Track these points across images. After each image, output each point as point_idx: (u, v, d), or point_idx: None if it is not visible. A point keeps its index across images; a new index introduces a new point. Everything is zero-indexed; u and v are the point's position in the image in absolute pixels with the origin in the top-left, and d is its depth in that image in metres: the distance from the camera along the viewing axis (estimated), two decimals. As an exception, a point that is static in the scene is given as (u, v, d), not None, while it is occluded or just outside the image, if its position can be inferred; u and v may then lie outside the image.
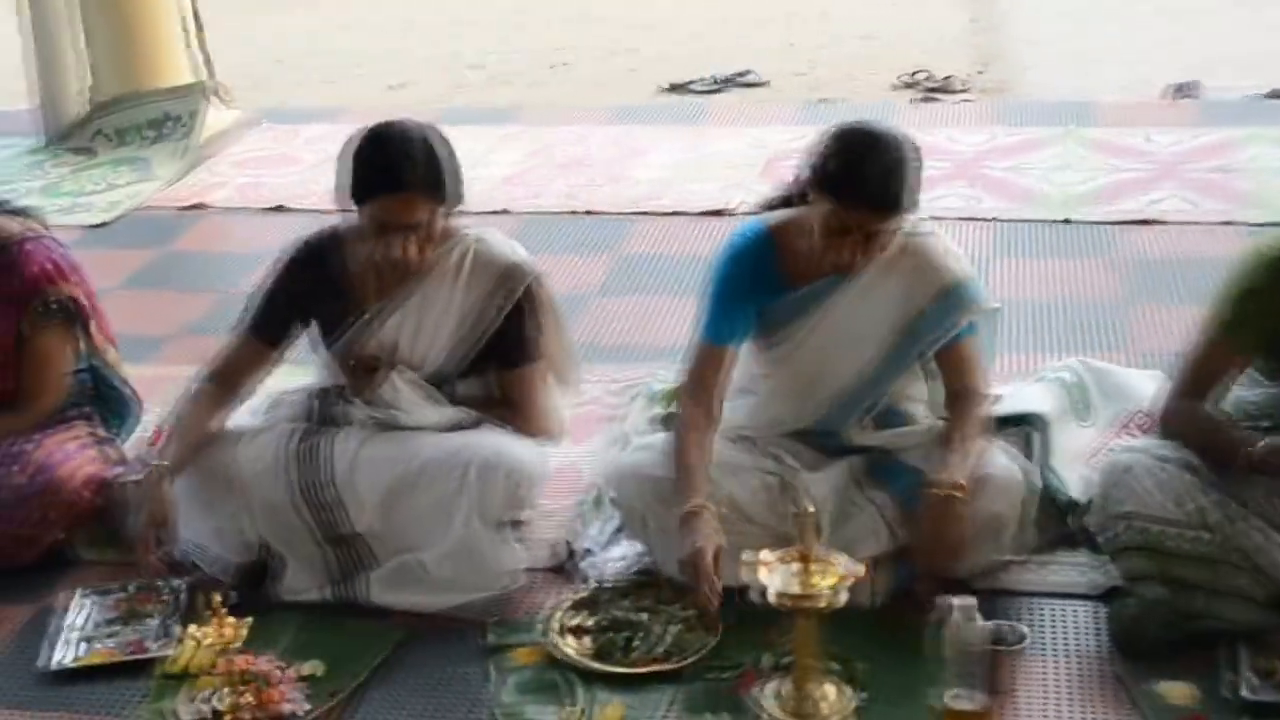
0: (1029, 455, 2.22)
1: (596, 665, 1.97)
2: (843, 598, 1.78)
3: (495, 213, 3.76)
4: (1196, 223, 3.56)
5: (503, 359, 2.28)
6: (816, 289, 2.17)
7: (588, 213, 3.88)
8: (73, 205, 4.20)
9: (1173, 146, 4.08)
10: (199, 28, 4.77)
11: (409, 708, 1.95)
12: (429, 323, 2.24)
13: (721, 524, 2.11)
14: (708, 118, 4.72)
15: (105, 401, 2.57)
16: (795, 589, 1.77)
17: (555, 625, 2.05)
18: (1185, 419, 2.05)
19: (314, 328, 2.32)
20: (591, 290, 3.38)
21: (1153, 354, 2.87)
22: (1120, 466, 2.03)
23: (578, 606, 2.10)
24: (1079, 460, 2.32)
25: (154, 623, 2.14)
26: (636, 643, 2.00)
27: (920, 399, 2.27)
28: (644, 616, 2.04)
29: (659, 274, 3.47)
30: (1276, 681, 1.84)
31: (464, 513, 2.10)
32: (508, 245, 2.29)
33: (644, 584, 2.11)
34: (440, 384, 2.28)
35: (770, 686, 1.87)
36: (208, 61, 4.78)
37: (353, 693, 1.97)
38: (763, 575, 1.79)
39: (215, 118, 4.63)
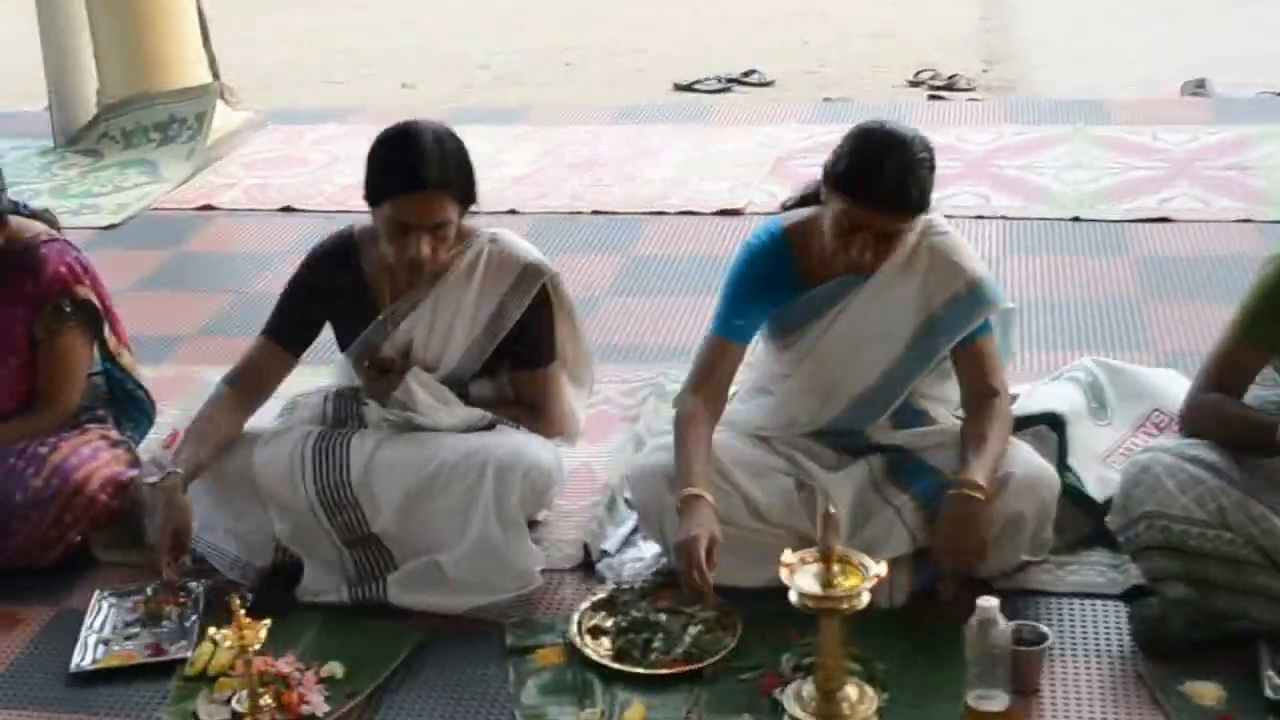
0: (1047, 455, 2.22)
1: (618, 666, 1.96)
2: (865, 599, 1.78)
3: (505, 213, 3.76)
4: (1210, 220, 3.56)
5: (519, 360, 2.28)
6: (832, 289, 2.17)
7: (597, 213, 3.89)
8: (81, 207, 4.20)
9: (1186, 144, 4.08)
10: (204, 29, 4.77)
11: (429, 709, 1.95)
12: (444, 324, 2.24)
13: (740, 526, 2.11)
14: (716, 117, 4.72)
15: (120, 404, 2.57)
16: (818, 590, 1.76)
17: (576, 626, 2.05)
18: (1210, 411, 2.05)
19: (330, 330, 2.32)
20: (603, 290, 3.38)
21: (1169, 352, 2.87)
22: (1140, 467, 2.02)
23: (597, 607, 2.09)
24: (1096, 460, 2.31)
25: (173, 625, 2.14)
26: (656, 644, 2.00)
27: (940, 399, 2.26)
28: (663, 617, 2.04)
29: (670, 274, 3.47)
30: (1301, 681, 1.84)
31: (482, 514, 2.10)
32: (524, 246, 2.28)
33: (663, 585, 2.10)
34: (455, 385, 2.27)
35: (792, 688, 1.86)
36: (213, 63, 4.79)
37: (372, 694, 1.96)
38: (785, 576, 1.78)
39: (222, 119, 4.64)
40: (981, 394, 2.14)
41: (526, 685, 1.96)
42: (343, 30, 7.09)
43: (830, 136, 4.20)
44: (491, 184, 3.93)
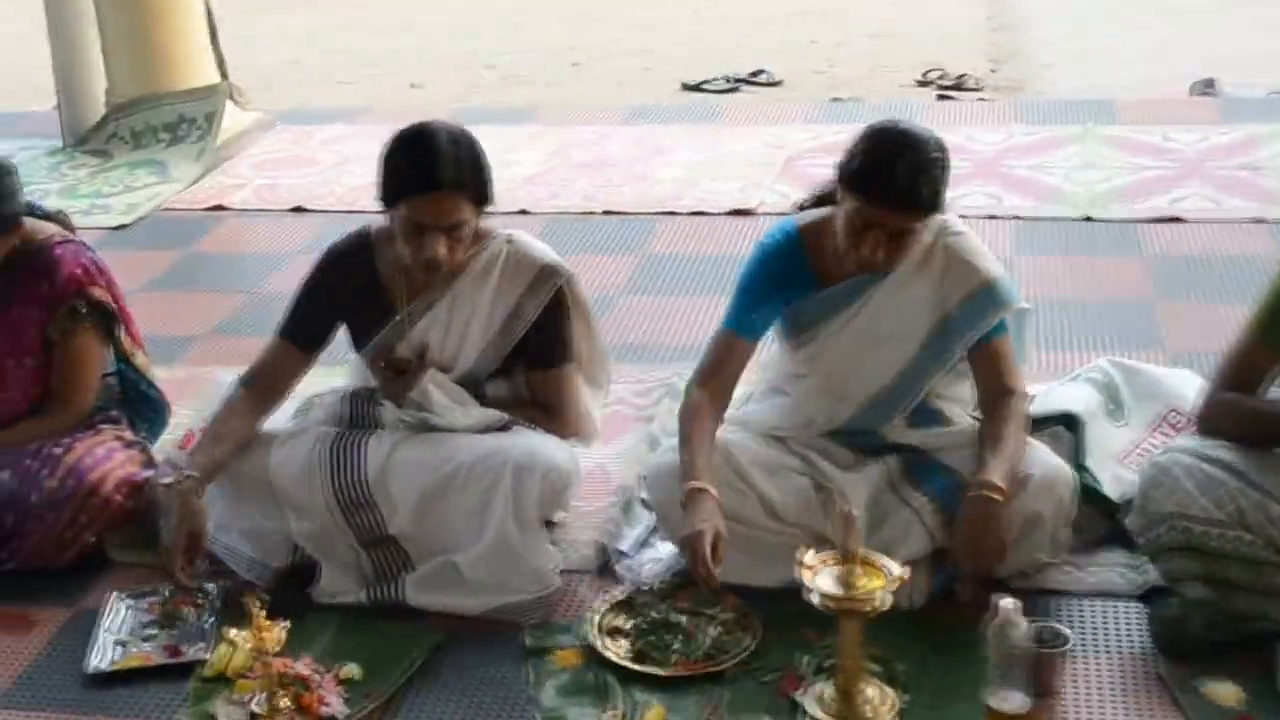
0: (1063, 455, 2.21)
1: (637, 668, 1.96)
2: (887, 601, 1.78)
3: (516, 213, 3.76)
4: (1222, 221, 3.56)
5: (535, 360, 2.28)
6: (846, 288, 2.17)
7: (609, 213, 3.89)
8: (91, 207, 4.20)
9: (1196, 144, 4.08)
10: (213, 30, 4.77)
11: (448, 711, 1.95)
12: (459, 324, 2.23)
13: (757, 526, 2.11)
14: (725, 117, 4.72)
15: (134, 405, 2.57)
16: (840, 591, 1.76)
17: (594, 627, 2.05)
18: (1226, 409, 2.05)
19: (345, 330, 2.32)
20: (615, 291, 3.37)
21: (1182, 352, 2.87)
22: (1160, 468, 2.02)
23: (615, 608, 2.09)
24: (1112, 460, 2.32)
25: (190, 626, 2.13)
26: (676, 645, 2.00)
27: (955, 399, 2.26)
28: (682, 619, 2.04)
29: (683, 274, 3.47)
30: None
31: (499, 515, 2.10)
32: (540, 247, 2.28)
33: (681, 586, 2.10)
34: (470, 385, 2.27)
35: (812, 689, 1.87)
36: (222, 63, 4.79)
37: (391, 696, 1.96)
38: (806, 578, 1.78)
39: (231, 120, 4.64)
40: (998, 394, 2.13)
41: (545, 687, 1.96)
42: (344, 30, 7.10)
43: (840, 137, 4.21)
44: (502, 184, 3.90)
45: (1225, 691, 1.87)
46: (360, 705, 1.93)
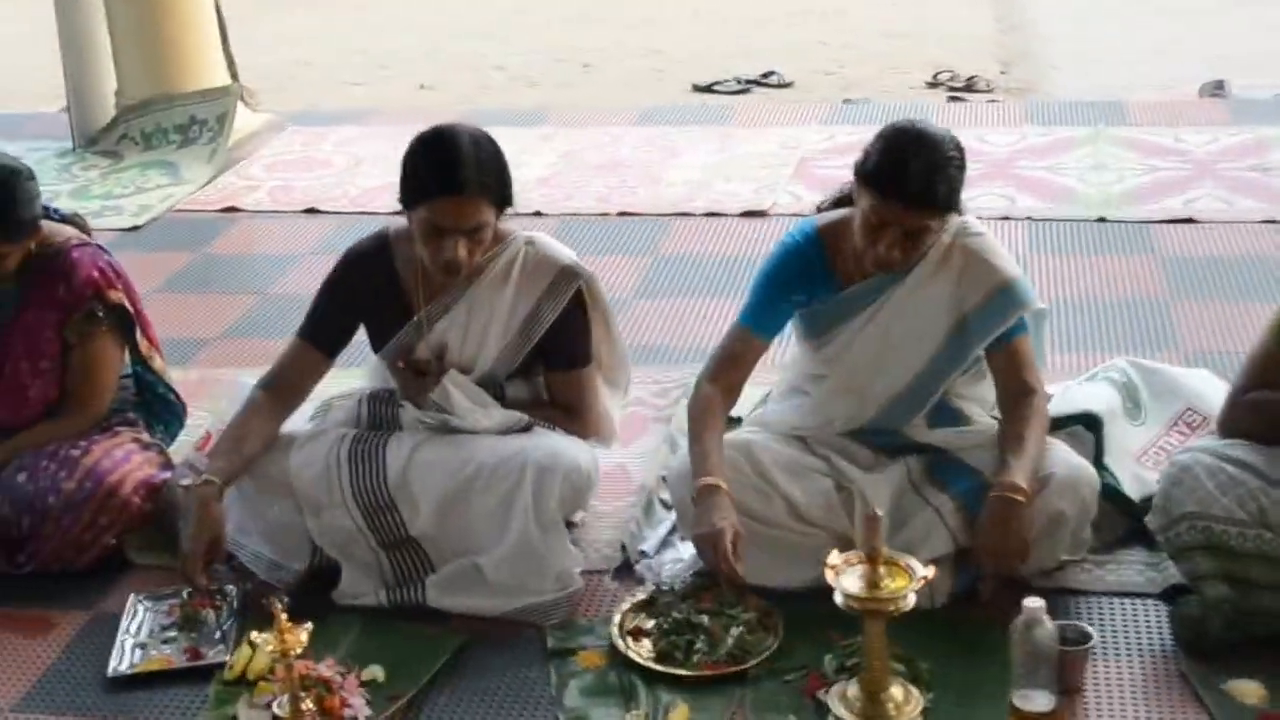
0: (1083, 454, 2.21)
1: (661, 668, 1.96)
2: (911, 601, 1.77)
3: (530, 215, 3.77)
4: (1234, 221, 3.56)
5: (555, 362, 2.28)
6: (866, 288, 2.17)
7: (623, 214, 3.89)
8: (102, 209, 4.20)
9: (1207, 146, 4.09)
10: (223, 31, 4.78)
11: (472, 712, 1.95)
12: (478, 326, 2.23)
13: (780, 527, 2.12)
14: (737, 119, 4.72)
15: (150, 407, 2.57)
16: (865, 592, 1.76)
17: (617, 628, 2.05)
18: (1247, 407, 2.05)
19: (364, 332, 2.32)
20: (630, 292, 3.38)
21: (1198, 352, 2.87)
22: (1181, 467, 2.02)
23: (637, 609, 2.09)
24: (1131, 459, 2.32)
25: (210, 629, 2.13)
26: (699, 645, 2.00)
27: (975, 399, 2.26)
28: (705, 619, 2.03)
29: (697, 276, 3.47)
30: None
31: (521, 516, 2.10)
32: (560, 248, 2.28)
33: (704, 587, 2.10)
34: (490, 387, 2.27)
35: (836, 689, 1.86)
36: (232, 64, 4.79)
37: (414, 697, 1.96)
38: (831, 578, 1.78)
39: (241, 121, 4.64)
40: (1017, 393, 2.13)
41: (569, 688, 1.96)
42: (351, 32, 7.09)
43: (852, 138, 4.27)
44: (515, 185, 3.93)
45: (1248, 689, 1.87)
46: (383, 707, 1.93)
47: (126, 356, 2.51)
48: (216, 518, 2.11)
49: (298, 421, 2.32)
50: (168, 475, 2.39)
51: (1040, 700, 1.79)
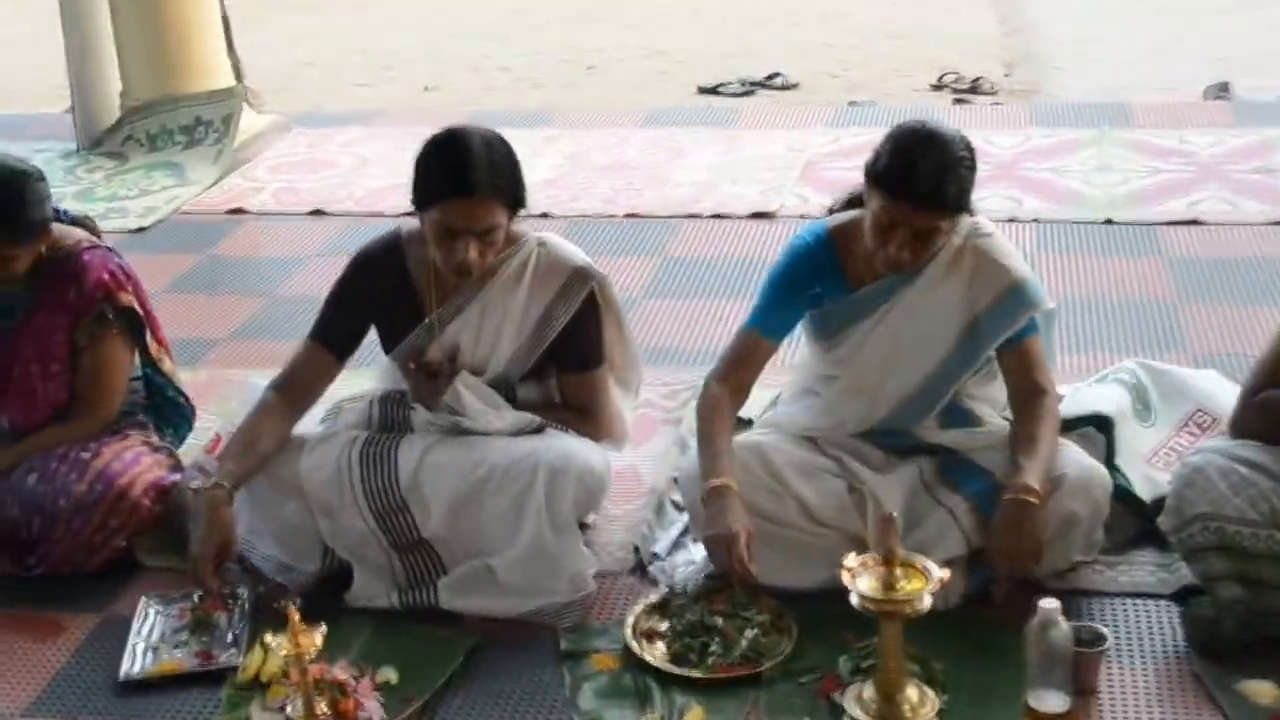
0: (1094, 456, 2.21)
1: (676, 670, 1.96)
2: (927, 602, 1.77)
3: (538, 216, 3.76)
4: (1240, 223, 3.58)
5: (567, 363, 2.28)
6: (876, 290, 2.18)
7: (629, 216, 3.89)
8: (108, 210, 4.19)
9: (1211, 148, 4.10)
10: (228, 32, 4.77)
11: (486, 715, 1.94)
12: (491, 327, 2.23)
13: (792, 528, 2.12)
14: (742, 121, 4.72)
15: (159, 409, 2.57)
16: (881, 593, 1.75)
17: (630, 630, 2.04)
18: (1260, 407, 2.05)
19: (376, 334, 2.32)
20: (638, 294, 3.38)
21: (1205, 354, 2.88)
22: (1193, 468, 2.03)
23: (650, 611, 2.09)
24: (1141, 460, 2.32)
25: (222, 632, 2.13)
26: (713, 647, 1.99)
27: (987, 399, 2.26)
28: (719, 621, 2.03)
29: (705, 277, 3.47)
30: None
31: (534, 518, 2.10)
32: (572, 250, 2.28)
33: (716, 588, 2.10)
34: (502, 388, 2.27)
35: (852, 690, 1.86)
36: (237, 66, 4.79)
37: (428, 700, 1.96)
38: (847, 579, 1.78)
39: (246, 122, 4.64)
40: (1029, 394, 2.14)
41: (583, 690, 1.96)
42: (354, 33, 7.09)
43: (858, 140, 4.27)
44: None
45: (1262, 689, 1.87)
46: (397, 709, 1.92)
47: (136, 359, 2.51)
48: (226, 521, 2.10)
49: (308, 424, 2.32)
50: (178, 478, 2.39)
51: (1055, 701, 1.79)
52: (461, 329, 2.24)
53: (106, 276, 2.41)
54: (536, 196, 3.95)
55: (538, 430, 2.22)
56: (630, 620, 2.06)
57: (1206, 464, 2.01)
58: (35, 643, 2.17)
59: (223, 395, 2.91)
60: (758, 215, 3.82)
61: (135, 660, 2.08)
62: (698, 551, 2.22)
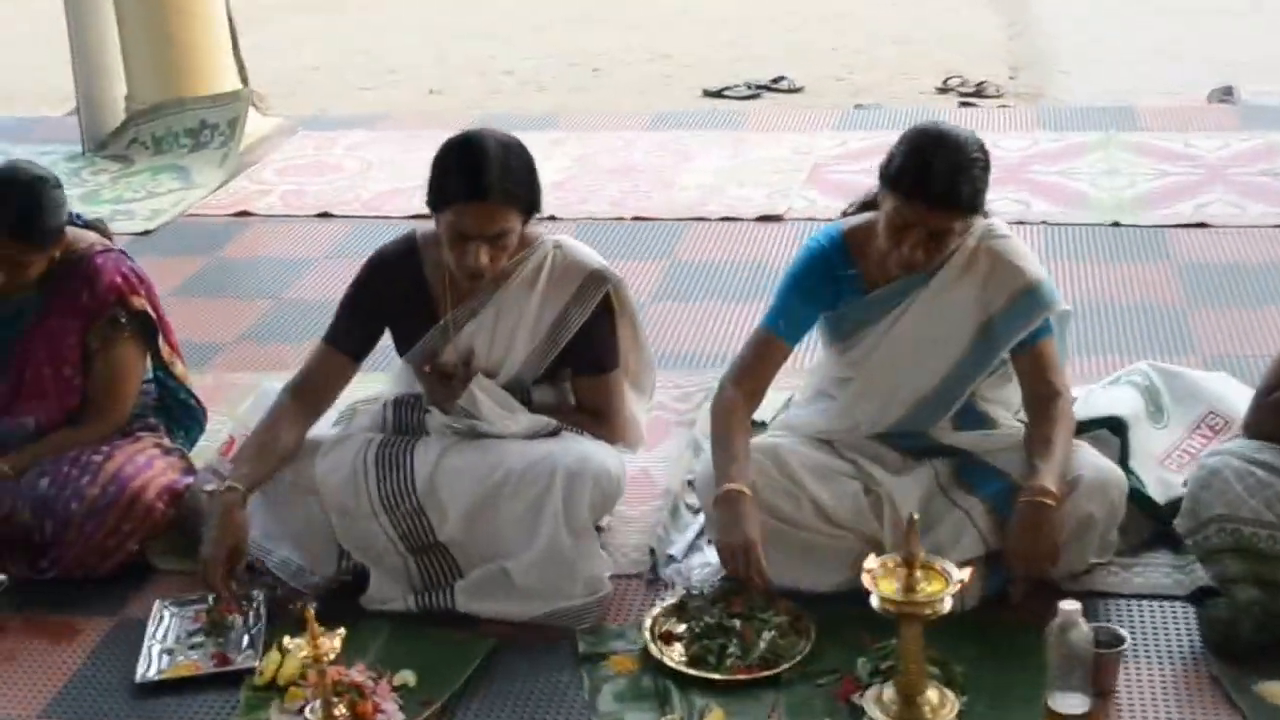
0: (1109, 458, 2.21)
1: (700, 673, 1.96)
2: (947, 604, 1.77)
3: (545, 219, 3.75)
4: (1247, 226, 3.59)
5: (582, 366, 2.27)
6: (891, 291, 2.18)
7: (637, 219, 3.89)
8: (114, 213, 4.18)
9: (1217, 151, 4.11)
10: (234, 35, 4.77)
11: (506, 717, 1.94)
12: (506, 330, 2.23)
13: (809, 530, 2.12)
14: (748, 124, 4.73)
15: (170, 412, 2.56)
16: (901, 595, 1.76)
17: (648, 633, 2.04)
18: (1274, 408, 2.06)
19: (390, 336, 2.31)
20: (646, 297, 3.37)
21: (1214, 356, 2.89)
22: (1209, 470, 2.04)
23: (668, 614, 2.09)
24: (1154, 462, 2.33)
25: (237, 634, 2.12)
26: (732, 649, 1.99)
27: (1001, 402, 2.27)
28: (737, 623, 2.03)
29: (714, 280, 3.47)
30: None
31: (550, 521, 2.09)
32: (587, 252, 2.28)
33: (732, 590, 2.09)
34: (517, 391, 2.26)
35: (871, 692, 1.86)
36: (243, 69, 4.79)
37: (447, 703, 1.95)
38: (868, 582, 1.78)
39: (252, 125, 4.64)
40: (1044, 396, 2.14)
41: (602, 692, 1.96)
42: (358, 36, 7.09)
43: (864, 144, 4.28)
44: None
45: (1280, 692, 1.87)
46: (416, 712, 1.92)
47: (148, 363, 2.50)
48: (239, 524, 2.10)
49: (321, 427, 2.31)
50: (190, 481, 2.39)
51: (1076, 703, 1.79)
52: (476, 332, 2.23)
53: (119, 280, 2.40)
54: (545, 199, 3.97)
55: (553, 433, 2.22)
56: (648, 622, 2.06)
57: (1223, 466, 2.02)
58: (50, 645, 2.16)
59: (231, 398, 2.91)
60: (765, 218, 3.82)
61: (151, 663, 2.08)
62: (713, 554, 2.21)
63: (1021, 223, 3.64)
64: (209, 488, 2.25)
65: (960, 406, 2.21)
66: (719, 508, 2.04)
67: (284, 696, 1.97)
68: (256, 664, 2.04)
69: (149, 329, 2.45)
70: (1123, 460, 2.25)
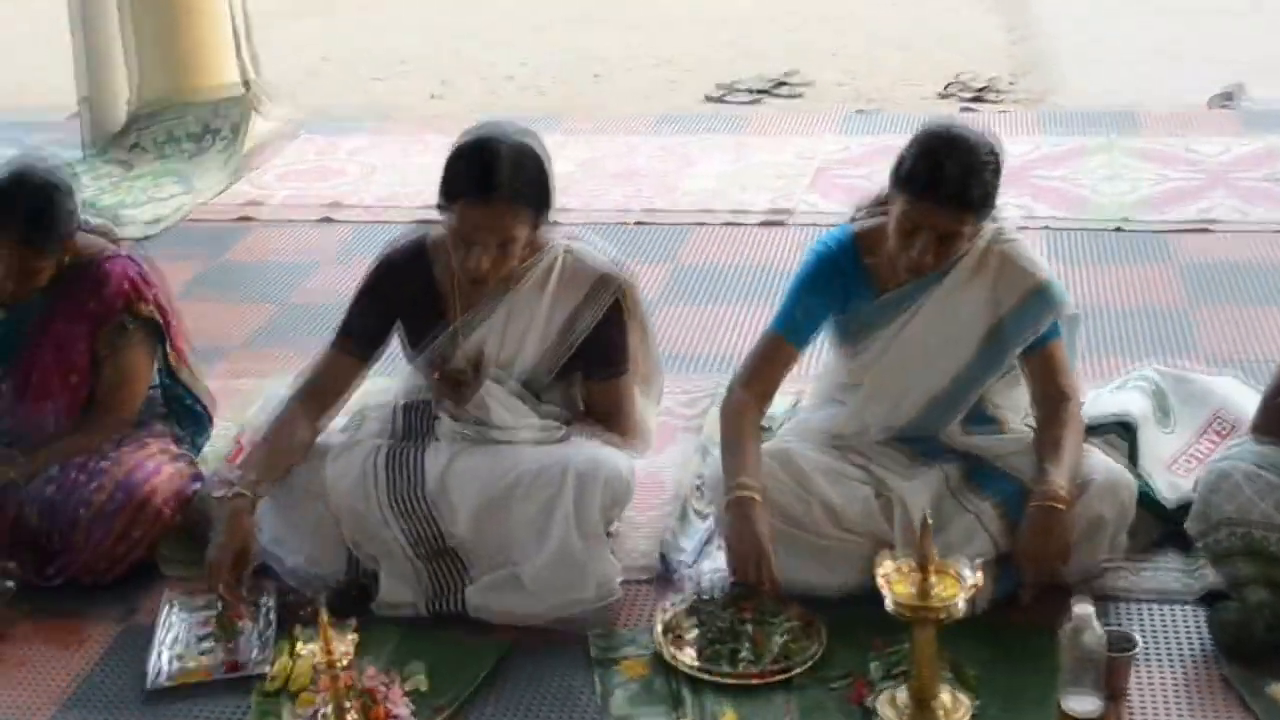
0: (1118, 461, 2.22)
1: (713, 676, 1.96)
2: (961, 607, 1.78)
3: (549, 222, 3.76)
4: (1250, 230, 3.60)
5: (592, 369, 2.27)
6: (902, 294, 2.18)
7: (641, 222, 3.89)
8: (115, 216, 4.18)
9: (1219, 155, 4.12)
10: (238, 39, 4.77)
11: (518, 721, 1.94)
12: (516, 333, 2.23)
13: (820, 533, 2.12)
14: (751, 128, 4.73)
15: (177, 416, 2.55)
16: (916, 599, 1.76)
17: (660, 636, 2.04)
18: (1278, 411, 2.05)
19: (399, 339, 2.31)
20: (650, 300, 3.34)
21: (1220, 359, 2.89)
22: (1220, 473, 2.04)
23: (679, 617, 2.09)
24: (1162, 465, 2.34)
25: (247, 639, 2.11)
26: (744, 653, 2.00)
27: (1009, 405, 2.27)
28: (748, 626, 2.04)
29: (719, 283, 3.47)
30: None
31: (561, 524, 2.09)
32: (598, 255, 2.28)
33: (743, 594, 2.09)
34: (526, 395, 2.26)
35: (885, 695, 1.87)
36: (245, 73, 4.77)
37: (459, 707, 1.95)
38: (882, 585, 1.78)
39: (254, 129, 4.62)
40: (1053, 398, 2.14)
41: (615, 696, 1.96)
42: (357, 38, 7.07)
43: (867, 147, 4.28)
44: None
45: (1294, 693, 1.88)
46: (428, 716, 1.92)
47: (155, 367, 2.50)
48: (247, 529, 2.09)
49: (329, 432, 2.30)
50: (198, 486, 2.38)
51: (1089, 705, 1.79)
52: (486, 334, 2.23)
53: (127, 286, 2.40)
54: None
55: (564, 436, 2.22)
56: (659, 625, 2.06)
57: (1233, 469, 2.03)
58: (59, 650, 2.16)
59: (236, 403, 2.90)
60: (769, 222, 3.83)
61: (161, 668, 2.07)
62: (723, 558, 2.22)
63: (1024, 227, 3.63)
64: (218, 494, 2.24)
65: (969, 410, 2.21)
66: (730, 512, 2.03)
67: (295, 701, 1.96)
68: (268, 669, 2.03)
69: (157, 334, 2.44)
70: (1131, 462, 2.26)
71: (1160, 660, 1.98)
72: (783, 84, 5.51)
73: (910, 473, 2.18)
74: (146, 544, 2.29)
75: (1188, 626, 2.05)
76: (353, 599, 2.14)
